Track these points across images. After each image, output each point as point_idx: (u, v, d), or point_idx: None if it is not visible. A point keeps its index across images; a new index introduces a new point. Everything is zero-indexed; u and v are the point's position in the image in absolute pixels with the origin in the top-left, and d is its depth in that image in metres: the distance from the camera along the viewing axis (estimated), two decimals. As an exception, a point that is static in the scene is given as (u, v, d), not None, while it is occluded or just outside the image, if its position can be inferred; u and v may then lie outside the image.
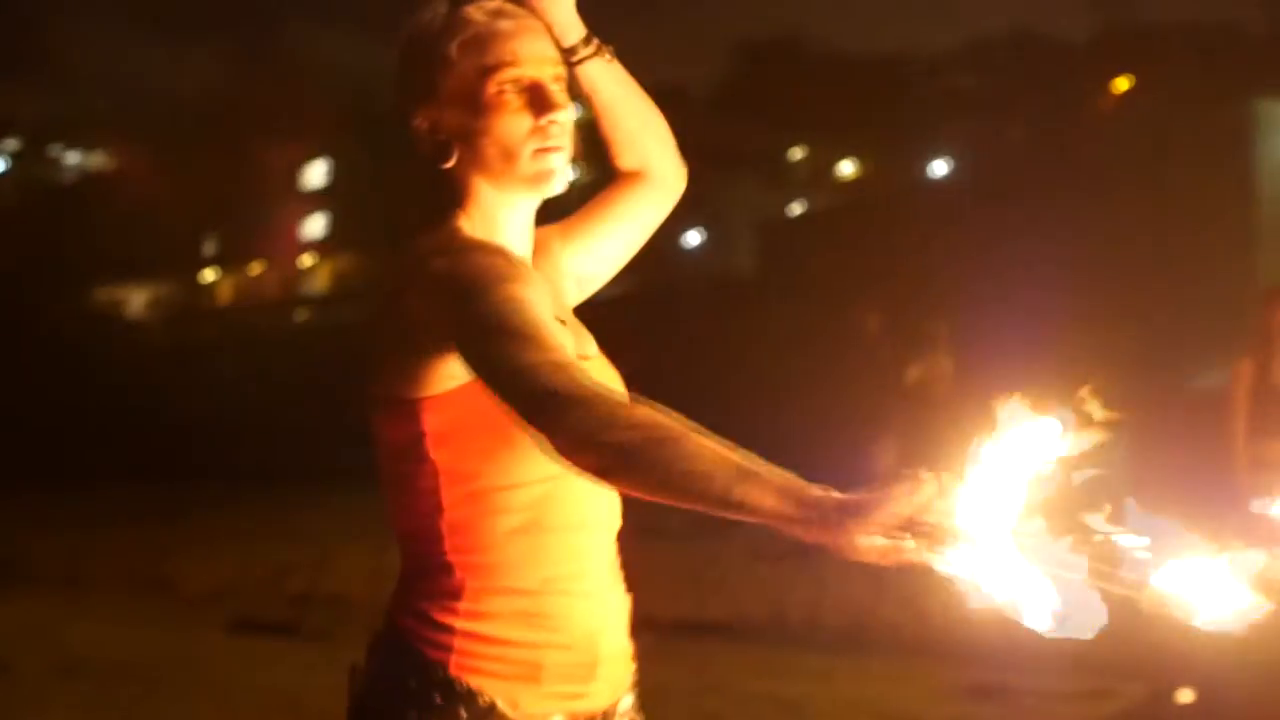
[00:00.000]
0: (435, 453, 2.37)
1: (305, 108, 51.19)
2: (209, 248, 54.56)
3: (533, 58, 2.41)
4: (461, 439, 2.35)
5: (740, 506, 1.91)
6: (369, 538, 14.79)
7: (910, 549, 1.90)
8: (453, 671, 2.39)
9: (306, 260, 56.27)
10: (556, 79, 2.45)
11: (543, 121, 2.41)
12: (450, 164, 2.44)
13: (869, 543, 1.89)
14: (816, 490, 1.92)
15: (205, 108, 50.79)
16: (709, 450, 1.94)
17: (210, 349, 38.62)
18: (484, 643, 2.40)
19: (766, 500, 1.90)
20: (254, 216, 52.79)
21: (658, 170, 2.85)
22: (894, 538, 1.90)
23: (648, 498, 2.01)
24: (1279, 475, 7.60)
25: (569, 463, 2.02)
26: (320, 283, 55.09)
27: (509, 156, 2.41)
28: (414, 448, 2.38)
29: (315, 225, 56.47)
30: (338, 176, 55.63)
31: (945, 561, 1.91)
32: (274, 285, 54.23)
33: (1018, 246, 36.82)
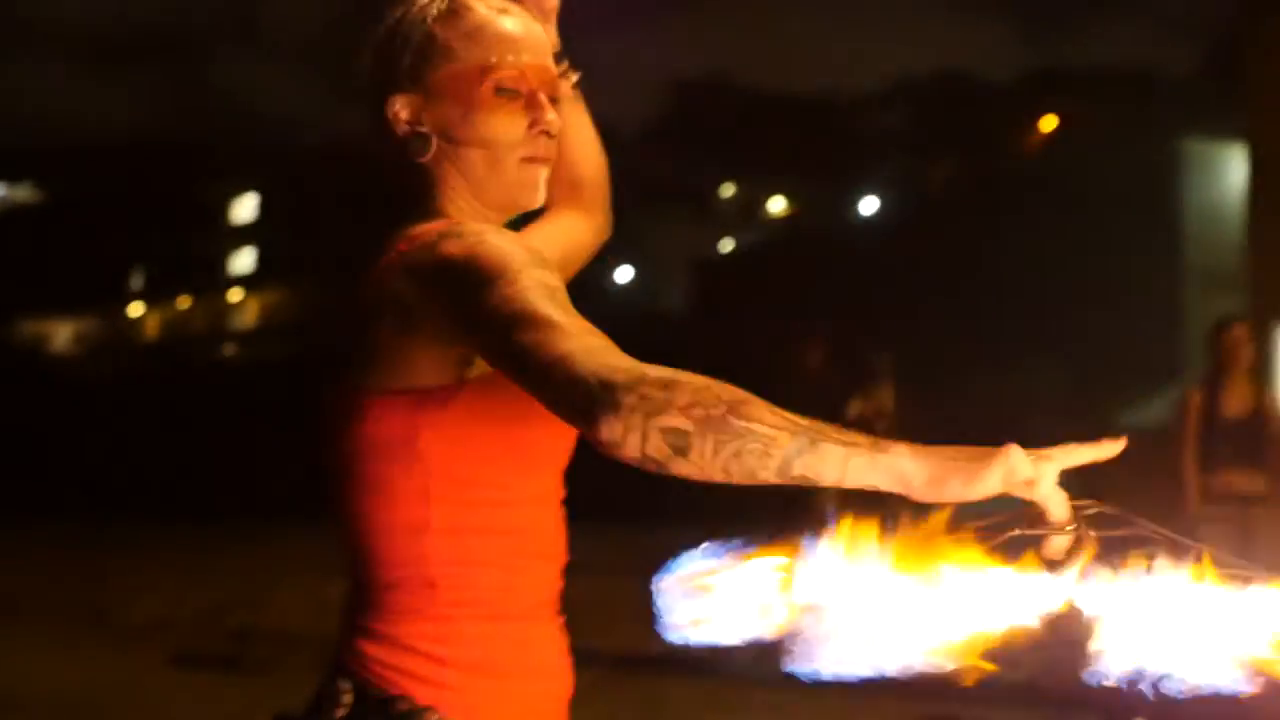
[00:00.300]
0: (429, 452, 2.09)
1: (235, 143, 51.02)
2: (135, 282, 54.29)
3: (534, 63, 2.27)
4: (460, 438, 2.10)
5: (817, 478, 1.77)
6: (307, 572, 14.70)
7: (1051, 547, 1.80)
8: (446, 713, 2.11)
9: (234, 295, 56.03)
10: (552, 90, 2.29)
11: (535, 130, 2.25)
12: (426, 158, 2.25)
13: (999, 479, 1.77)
14: (907, 444, 1.79)
15: (133, 141, 50.49)
16: (776, 417, 1.76)
17: (137, 383, 38.32)
18: (476, 674, 2.13)
19: (842, 468, 1.76)
20: (182, 250, 52.49)
21: (593, 208, 2.76)
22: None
23: (714, 479, 1.79)
24: (1229, 504, 7.70)
25: (622, 454, 1.78)
26: (248, 318, 54.87)
27: (494, 161, 2.24)
28: (404, 445, 2.09)
29: (244, 260, 56.26)
30: (267, 211, 55.44)
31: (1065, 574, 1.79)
32: (201, 320, 53.96)
33: (947, 284, 37.14)
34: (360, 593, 2.16)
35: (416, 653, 2.11)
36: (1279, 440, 7.78)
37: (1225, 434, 7.67)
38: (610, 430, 1.75)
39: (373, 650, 2.12)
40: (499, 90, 2.23)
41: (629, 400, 1.75)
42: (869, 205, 51.51)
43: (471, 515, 2.12)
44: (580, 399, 1.78)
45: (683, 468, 1.77)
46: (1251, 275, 23.52)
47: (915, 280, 37.18)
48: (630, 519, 17.86)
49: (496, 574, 2.15)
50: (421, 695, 2.09)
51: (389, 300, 2.08)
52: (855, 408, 13.03)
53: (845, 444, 1.77)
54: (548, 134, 2.26)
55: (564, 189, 2.66)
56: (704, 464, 1.76)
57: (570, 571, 2.27)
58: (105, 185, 49.47)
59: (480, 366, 2.06)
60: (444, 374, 2.08)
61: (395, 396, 2.09)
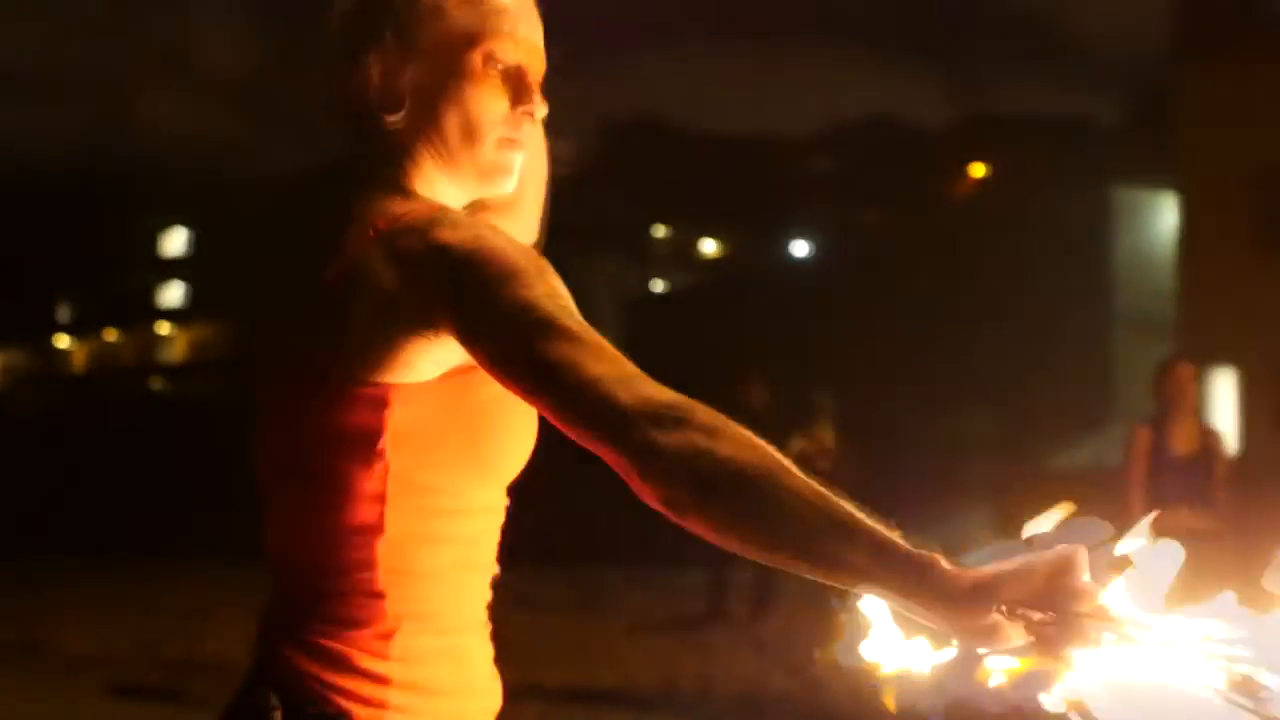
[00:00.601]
0: (393, 452, 1.92)
1: (163, 176, 50.77)
2: (62, 314, 53.85)
3: (528, 42, 2.09)
4: (425, 441, 1.93)
5: (834, 563, 1.63)
6: (240, 605, 14.62)
7: (1040, 635, 1.58)
8: None
9: (163, 328, 55.64)
10: (539, 78, 2.12)
11: (519, 111, 2.07)
12: (395, 119, 2.05)
13: (988, 622, 1.57)
14: (933, 558, 1.60)
15: (60, 172, 50.14)
16: (810, 491, 1.65)
17: (64, 417, 38.02)
18: (419, 693, 1.97)
19: (866, 561, 1.61)
20: (110, 283, 52.10)
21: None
22: (1021, 619, 1.57)
23: (717, 537, 1.69)
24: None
25: (645, 488, 1.69)
26: (177, 351, 54.51)
27: (471, 136, 2.05)
28: (365, 443, 1.91)
29: (173, 293, 55.90)
30: (197, 245, 55.15)
31: (1076, 658, 1.58)
32: (130, 353, 53.54)
33: (877, 326, 37.35)
34: (294, 599, 1.99)
35: (357, 670, 1.94)
36: (1226, 478, 7.87)
37: (1173, 472, 7.75)
38: (646, 467, 1.68)
39: (309, 665, 1.94)
40: (488, 61, 2.06)
41: (672, 441, 1.67)
42: (800, 248, 51.81)
43: (426, 523, 1.96)
44: (617, 429, 1.70)
45: (700, 522, 1.68)
46: (1181, 320, 23.84)
47: (845, 323, 37.36)
48: (568, 557, 17.83)
49: (444, 587, 1.99)
50: (361, 717, 1.93)
51: (366, 285, 1.91)
52: (797, 445, 13.10)
53: (880, 539, 1.62)
54: (530, 117, 2.09)
55: (503, 205, 2.33)
56: (723, 523, 1.68)
57: (517, 607, 2.19)
58: (31, 217, 49.07)
59: (447, 365, 1.92)
60: (417, 369, 1.91)
61: (362, 388, 1.91)
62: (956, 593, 1.57)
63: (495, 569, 2.08)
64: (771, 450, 1.68)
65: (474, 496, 1.99)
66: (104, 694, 10.25)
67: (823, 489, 1.65)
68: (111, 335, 54.87)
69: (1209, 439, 7.94)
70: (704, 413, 1.69)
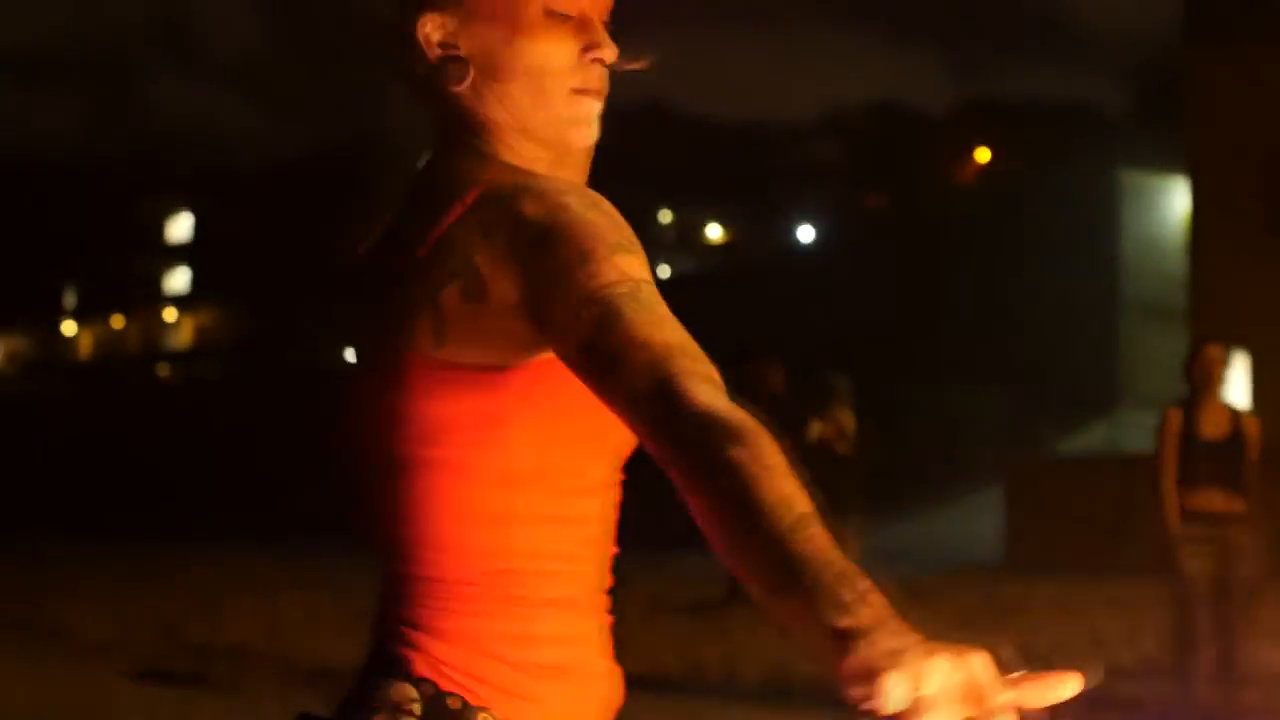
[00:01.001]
0: (514, 435, 1.88)
1: (171, 161, 50.75)
2: (69, 300, 53.85)
3: None
4: (543, 421, 1.89)
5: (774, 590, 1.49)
6: (256, 589, 14.62)
7: None
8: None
9: (169, 314, 55.62)
10: (604, 17, 2.02)
11: (588, 58, 1.98)
12: (463, 87, 1.97)
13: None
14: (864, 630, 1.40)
15: (67, 159, 50.13)
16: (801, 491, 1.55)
17: (71, 402, 38.02)
18: (554, 679, 1.94)
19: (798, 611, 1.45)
20: (116, 269, 52.11)
21: None
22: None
23: (706, 498, 1.57)
24: (1207, 524, 7.78)
25: (686, 490, 1.60)
26: (183, 337, 54.49)
27: (540, 93, 1.97)
28: (486, 427, 1.88)
29: (179, 279, 55.88)
30: (202, 231, 55.13)
31: None
32: (136, 339, 53.53)
33: (885, 310, 37.36)
34: (421, 589, 1.93)
35: (497, 658, 1.90)
36: (1255, 461, 7.88)
37: (1203, 455, 7.77)
38: (698, 473, 1.59)
39: (446, 653, 1.90)
40: (549, 12, 1.96)
41: (735, 451, 1.56)
42: (806, 233, 51.80)
43: (552, 504, 1.92)
44: (675, 436, 1.63)
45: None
46: (1192, 304, 23.79)
47: (851, 307, 37.37)
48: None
49: (572, 567, 1.95)
50: (503, 710, 1.88)
51: (460, 262, 1.85)
52: (815, 429, 13.12)
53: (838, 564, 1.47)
54: (601, 63, 1.99)
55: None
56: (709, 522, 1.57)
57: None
58: (39, 203, 49.07)
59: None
60: (523, 350, 1.85)
61: (472, 373, 1.86)
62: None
63: (613, 549, 2.03)
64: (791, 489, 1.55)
65: (592, 474, 1.95)
66: (125, 678, 10.25)
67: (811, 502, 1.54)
68: (118, 321, 54.88)
69: (1239, 421, 7.95)
70: (762, 442, 1.58)
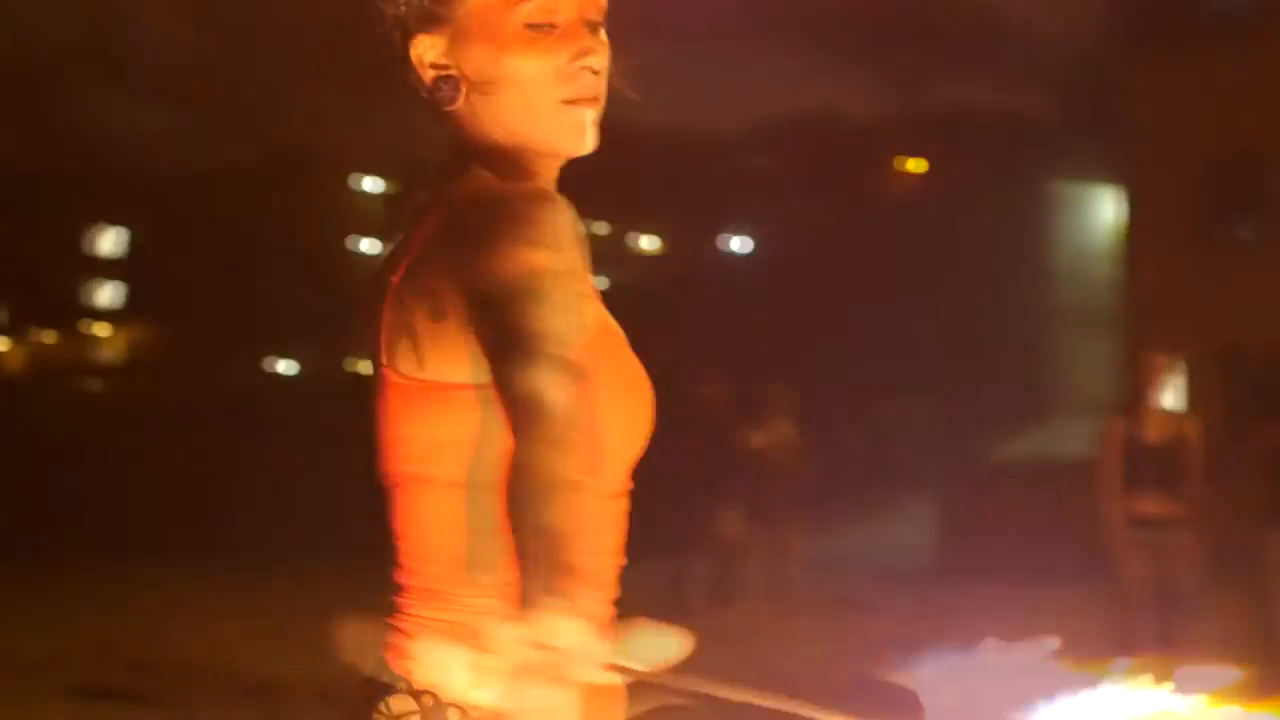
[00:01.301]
0: (507, 450, 1.83)
1: (102, 175, 50.41)
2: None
3: None
4: None
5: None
6: (196, 608, 14.51)
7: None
8: None
9: (101, 329, 55.17)
10: (595, 19, 2.01)
11: (573, 66, 1.97)
12: (457, 106, 1.98)
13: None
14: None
15: (-6, 172, 49.72)
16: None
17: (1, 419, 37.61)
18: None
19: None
20: (46, 284, 51.67)
21: None
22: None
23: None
24: (1149, 530, 7.87)
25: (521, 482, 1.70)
26: (113, 352, 54.06)
27: (529, 105, 1.96)
28: (477, 445, 1.91)
29: (110, 294, 55.44)
30: (132, 245, 54.75)
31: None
32: (67, 355, 53.01)
33: (818, 321, 37.49)
34: (420, 598, 1.96)
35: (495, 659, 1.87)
36: (1196, 467, 7.97)
37: (1145, 460, 7.86)
38: (543, 453, 1.71)
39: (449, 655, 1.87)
40: (529, 26, 1.96)
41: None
42: (739, 243, 51.93)
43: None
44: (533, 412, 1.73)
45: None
46: (1123, 312, 24.04)
47: (784, 318, 37.49)
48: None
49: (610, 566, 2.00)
50: (501, 708, 1.84)
51: (424, 282, 1.90)
52: (755, 439, 13.17)
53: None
54: (591, 70, 1.99)
55: None
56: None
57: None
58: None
59: None
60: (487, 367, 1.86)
61: (457, 390, 1.89)
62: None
63: (621, 559, 2.05)
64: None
65: (600, 484, 1.95)
66: (63, 696, 10.18)
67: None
68: (49, 337, 54.41)
69: (1181, 427, 8.05)
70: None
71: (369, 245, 51.05)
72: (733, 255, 51.42)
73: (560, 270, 1.81)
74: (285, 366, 47.63)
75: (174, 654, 11.67)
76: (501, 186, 1.96)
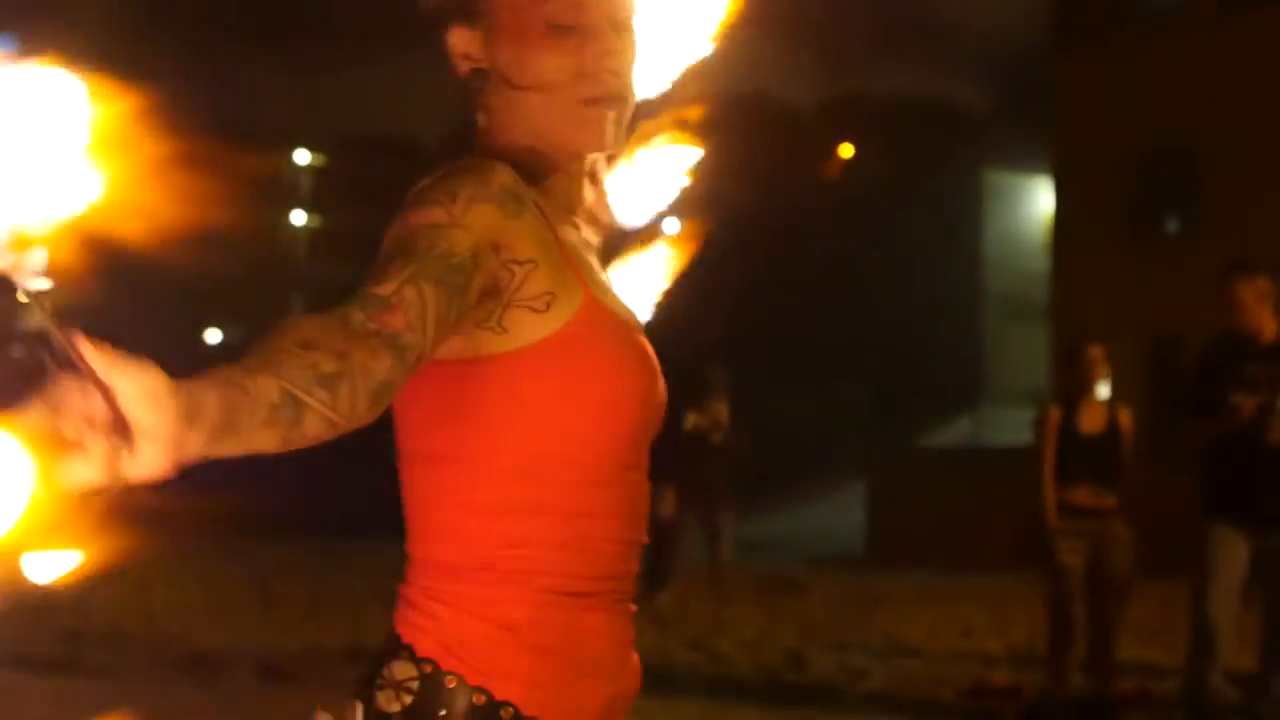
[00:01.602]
0: (503, 426, 1.93)
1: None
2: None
3: None
4: (533, 412, 1.93)
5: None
6: (127, 577, 14.40)
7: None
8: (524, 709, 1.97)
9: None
10: (622, 20, 2.03)
11: (594, 66, 1.99)
12: (486, 99, 2.03)
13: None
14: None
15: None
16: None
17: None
18: (555, 664, 2.02)
19: None
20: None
21: None
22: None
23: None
24: (1084, 519, 7.98)
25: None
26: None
27: (551, 105, 1.99)
28: (471, 420, 1.94)
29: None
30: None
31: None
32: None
33: (747, 305, 37.53)
34: (427, 569, 1.99)
35: (498, 642, 1.94)
36: (1129, 455, 8.10)
37: (1080, 450, 7.97)
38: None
39: (447, 634, 1.94)
40: (552, 25, 1.99)
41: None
42: (669, 226, 52.00)
43: (554, 495, 1.95)
44: None
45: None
46: (1054, 302, 24.19)
47: (717, 301, 37.54)
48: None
49: (580, 556, 1.97)
50: (503, 692, 1.93)
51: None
52: (690, 420, 13.20)
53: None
54: (608, 68, 2.01)
55: None
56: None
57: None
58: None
59: (525, 337, 1.91)
60: (476, 339, 1.90)
61: (449, 365, 1.91)
62: None
63: (638, 539, 2.04)
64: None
65: (596, 465, 1.98)
66: (-4, 664, 10.10)
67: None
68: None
69: (1115, 417, 8.16)
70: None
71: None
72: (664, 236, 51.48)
73: (445, 223, 1.82)
74: (211, 335, 47.29)
75: (105, 622, 11.61)
76: (466, 173, 1.96)
